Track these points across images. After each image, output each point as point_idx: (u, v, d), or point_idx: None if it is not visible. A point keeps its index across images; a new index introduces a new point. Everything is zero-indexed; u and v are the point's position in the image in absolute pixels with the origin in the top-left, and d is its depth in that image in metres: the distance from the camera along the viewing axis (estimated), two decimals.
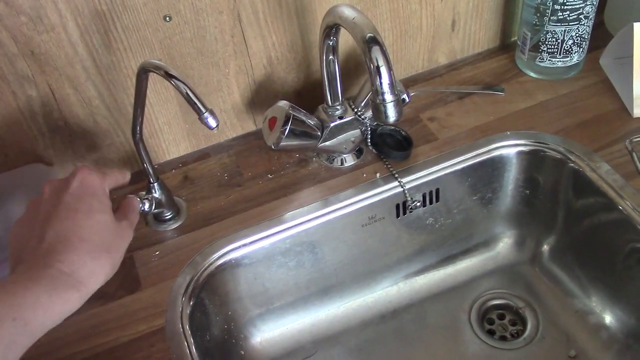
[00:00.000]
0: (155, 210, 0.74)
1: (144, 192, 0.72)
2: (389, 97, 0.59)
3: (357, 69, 0.86)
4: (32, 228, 0.52)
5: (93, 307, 0.69)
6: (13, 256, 0.52)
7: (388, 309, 0.87)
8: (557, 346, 0.81)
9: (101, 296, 0.69)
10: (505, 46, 0.96)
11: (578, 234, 0.82)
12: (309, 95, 0.86)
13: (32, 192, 0.72)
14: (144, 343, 0.65)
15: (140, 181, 0.80)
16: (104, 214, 0.53)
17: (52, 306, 0.46)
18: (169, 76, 0.58)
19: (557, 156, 0.79)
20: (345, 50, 0.84)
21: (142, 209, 0.67)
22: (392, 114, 0.60)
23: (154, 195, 0.73)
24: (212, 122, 0.58)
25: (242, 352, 0.80)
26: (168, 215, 0.76)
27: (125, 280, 0.71)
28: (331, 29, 0.68)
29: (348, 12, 0.62)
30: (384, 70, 0.59)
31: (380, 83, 0.59)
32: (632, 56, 0.80)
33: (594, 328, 0.81)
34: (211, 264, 0.72)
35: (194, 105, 0.57)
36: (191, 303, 0.69)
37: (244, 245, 0.74)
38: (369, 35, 0.59)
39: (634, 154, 0.73)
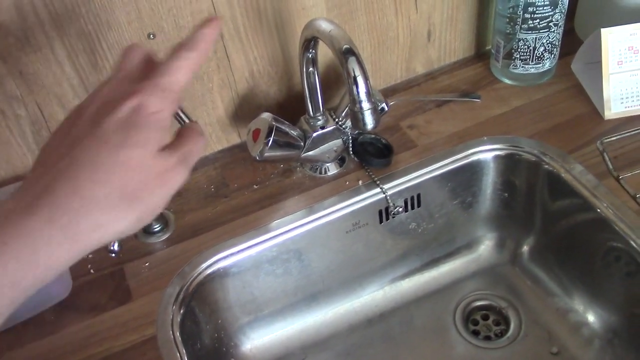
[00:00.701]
0: None
1: None
2: (366, 105, 0.61)
3: (337, 80, 0.89)
4: (59, 146, 0.42)
5: (85, 318, 0.70)
6: (33, 171, 0.42)
7: (375, 313, 0.89)
8: (539, 344, 0.83)
9: (93, 308, 0.71)
10: (480, 55, 0.99)
11: (556, 234, 0.85)
12: (291, 107, 0.88)
13: None
14: (136, 352, 0.67)
15: None
16: (142, 149, 0.40)
17: (24, 273, 0.37)
18: None
19: (532, 159, 0.82)
20: (326, 62, 0.86)
21: None
22: (369, 122, 0.62)
23: None
24: None
25: None
26: (156, 227, 0.78)
27: (116, 291, 0.73)
28: (310, 42, 0.70)
29: (325, 26, 0.65)
30: (360, 80, 0.61)
31: (358, 92, 0.61)
32: (601, 61, 0.83)
33: (575, 325, 0.83)
34: (200, 273, 0.74)
35: (178, 118, 0.59)
36: (181, 312, 0.71)
37: (232, 254, 0.76)
38: (345, 46, 0.62)
39: (605, 155, 0.76)
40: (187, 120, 0.59)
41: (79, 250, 0.39)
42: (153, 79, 0.42)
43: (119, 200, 0.39)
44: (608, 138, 0.78)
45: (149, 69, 0.44)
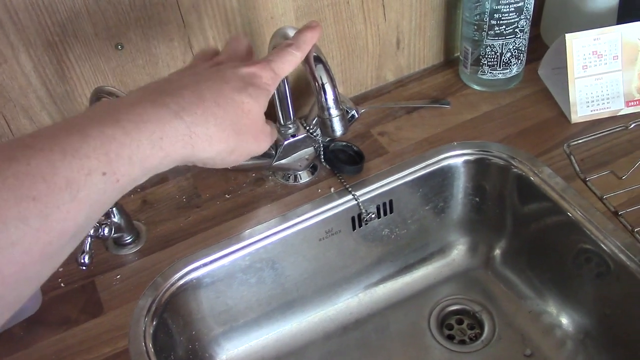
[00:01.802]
0: (115, 235, 0.75)
1: (102, 217, 0.73)
2: (334, 112, 0.62)
3: (307, 89, 0.89)
4: (182, 77, 0.48)
5: (56, 333, 0.69)
6: (155, 83, 0.47)
7: (350, 320, 0.89)
8: (513, 346, 0.84)
9: (64, 322, 0.70)
10: (449, 61, 1.00)
11: (527, 237, 0.86)
12: None
13: None
14: None
15: None
16: (255, 101, 0.48)
17: (151, 159, 0.40)
18: None
19: (501, 163, 0.83)
20: (296, 71, 0.86)
21: (101, 234, 0.69)
22: (338, 128, 0.62)
23: (113, 219, 0.75)
24: None
25: None
26: (128, 239, 0.77)
27: (88, 305, 0.72)
28: None
29: (292, 33, 0.65)
30: (328, 87, 0.62)
31: (326, 99, 0.62)
32: (566, 66, 0.84)
33: (548, 327, 0.84)
34: (172, 284, 0.74)
35: None
36: (154, 324, 0.70)
37: (205, 264, 0.75)
38: (312, 54, 0.62)
39: (572, 157, 0.77)
40: None
41: (186, 154, 0.43)
42: (268, 60, 0.51)
43: (229, 126, 0.45)
44: (575, 141, 0.79)
45: (250, 56, 0.56)
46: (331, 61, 0.89)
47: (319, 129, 0.81)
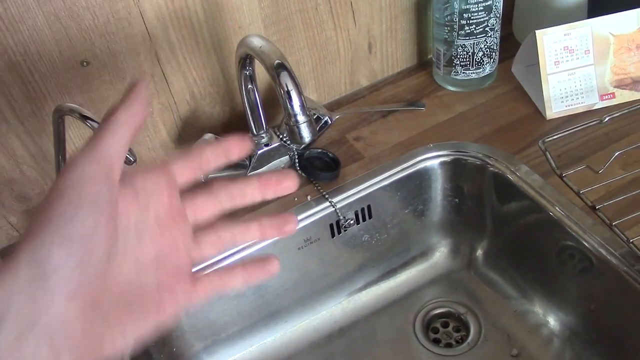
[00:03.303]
0: None
1: None
2: (301, 118, 0.61)
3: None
4: None
5: None
6: None
7: (334, 329, 0.88)
8: (499, 347, 0.83)
9: None
10: (423, 63, 0.99)
11: (508, 236, 0.85)
12: (235, 126, 0.87)
13: None
14: None
15: None
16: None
17: None
18: (83, 117, 0.59)
19: (477, 162, 0.82)
20: (267, 79, 0.86)
21: None
22: (306, 134, 0.62)
23: None
24: (129, 157, 0.59)
25: None
26: None
27: None
28: (245, 60, 0.70)
29: (256, 42, 0.64)
30: (294, 94, 0.61)
31: (292, 106, 0.61)
32: (538, 63, 0.84)
33: (533, 326, 0.83)
34: None
35: None
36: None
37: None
38: (276, 62, 0.62)
39: (547, 154, 0.76)
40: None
41: None
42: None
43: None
44: (550, 137, 0.79)
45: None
46: (303, 68, 0.88)
47: None
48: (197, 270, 0.38)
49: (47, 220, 0.30)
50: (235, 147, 0.40)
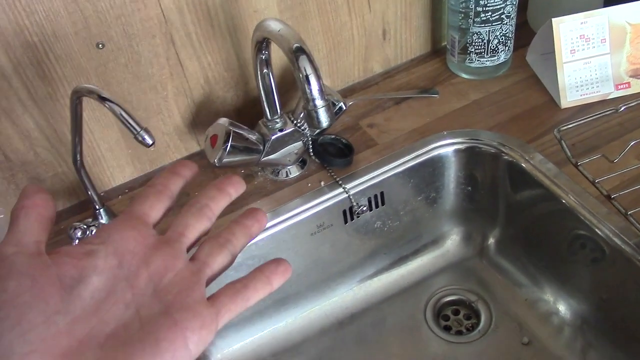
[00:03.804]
0: None
1: (90, 219, 0.72)
2: (319, 102, 0.61)
3: (294, 82, 0.88)
4: None
5: None
6: None
7: (345, 315, 0.88)
8: (510, 335, 0.83)
9: None
10: (437, 51, 0.99)
11: (521, 225, 0.85)
12: (249, 111, 0.87)
13: None
14: None
15: (86, 210, 0.81)
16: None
17: None
18: (101, 99, 0.58)
19: (492, 151, 0.82)
20: (282, 65, 0.86)
21: (89, 236, 0.68)
22: (324, 119, 0.62)
23: (101, 221, 0.74)
24: (148, 140, 0.59)
25: None
26: None
27: None
28: (261, 44, 0.69)
29: (274, 25, 0.64)
30: (312, 78, 0.61)
31: (310, 90, 0.61)
32: (554, 51, 0.84)
33: (544, 314, 0.83)
34: None
35: (128, 124, 0.58)
36: None
37: None
38: (295, 45, 0.61)
39: (562, 142, 0.76)
40: (137, 127, 0.58)
41: None
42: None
43: None
44: (565, 126, 0.78)
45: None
46: (317, 54, 0.88)
47: (306, 123, 0.80)
48: (212, 295, 0.36)
49: None
50: (182, 169, 0.40)
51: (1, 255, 0.32)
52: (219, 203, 0.40)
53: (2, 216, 0.75)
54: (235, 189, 0.41)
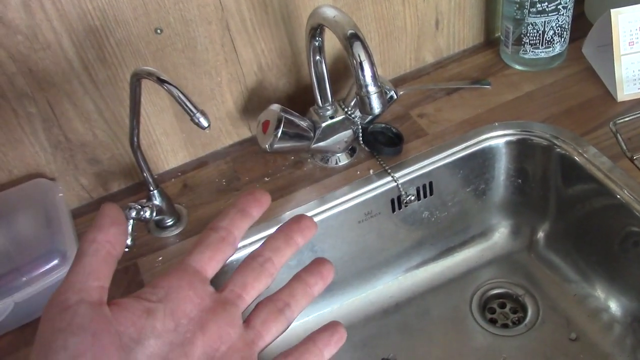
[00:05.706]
0: (156, 217, 0.76)
1: (144, 200, 0.74)
2: (372, 88, 0.61)
3: (346, 70, 0.89)
4: None
5: None
6: None
7: (390, 304, 0.88)
8: (557, 330, 0.82)
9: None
10: (490, 41, 0.98)
11: (572, 219, 0.84)
12: (300, 99, 0.88)
13: (35, 206, 0.74)
14: None
15: (141, 191, 0.83)
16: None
17: None
18: (160, 81, 0.60)
19: (544, 143, 0.81)
20: (334, 53, 0.86)
21: (143, 216, 0.70)
22: (376, 105, 0.62)
23: (155, 202, 0.76)
24: (204, 122, 0.60)
25: None
26: (169, 221, 0.78)
27: (130, 286, 0.73)
28: (316, 30, 0.70)
29: (329, 12, 0.65)
30: (366, 65, 0.61)
31: (364, 76, 0.61)
32: (612, 43, 0.82)
33: (594, 311, 0.82)
34: None
35: (185, 106, 0.60)
36: None
37: (244, 246, 0.76)
38: (350, 31, 0.62)
39: (618, 136, 0.75)
40: (193, 109, 0.59)
41: None
42: None
43: None
44: (621, 119, 0.77)
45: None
46: (369, 42, 0.87)
47: (357, 111, 0.80)
48: None
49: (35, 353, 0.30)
50: (253, 204, 0.37)
51: (63, 304, 0.30)
52: (283, 257, 0.38)
53: (61, 195, 0.77)
54: (304, 229, 0.38)
